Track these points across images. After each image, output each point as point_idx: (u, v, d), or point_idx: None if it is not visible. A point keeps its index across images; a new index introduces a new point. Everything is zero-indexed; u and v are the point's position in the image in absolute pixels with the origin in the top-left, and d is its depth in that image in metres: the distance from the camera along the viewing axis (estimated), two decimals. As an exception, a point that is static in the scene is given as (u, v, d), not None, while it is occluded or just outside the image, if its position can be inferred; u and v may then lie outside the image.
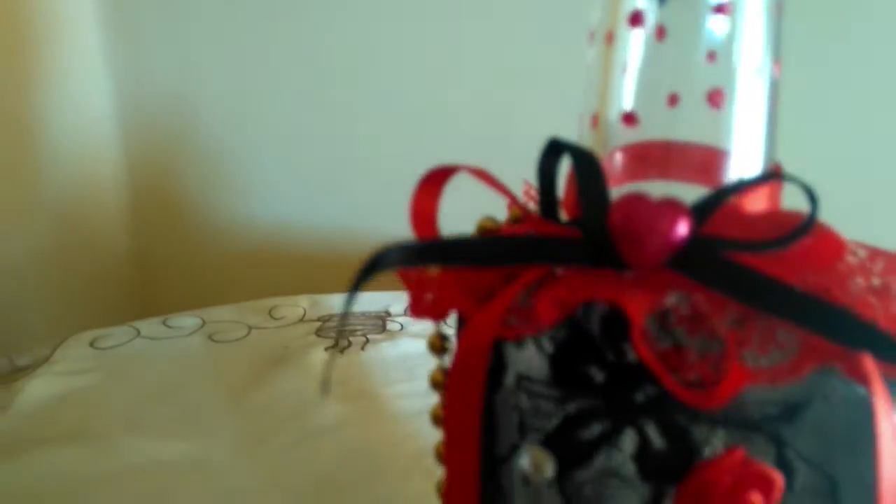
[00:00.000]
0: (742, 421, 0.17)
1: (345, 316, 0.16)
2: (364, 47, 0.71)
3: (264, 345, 0.57)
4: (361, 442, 0.48)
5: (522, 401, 0.18)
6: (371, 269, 0.16)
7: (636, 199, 0.18)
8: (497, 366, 0.18)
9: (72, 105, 0.70)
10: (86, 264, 0.73)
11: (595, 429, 0.17)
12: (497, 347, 0.19)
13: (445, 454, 0.19)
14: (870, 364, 0.15)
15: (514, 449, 0.18)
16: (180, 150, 0.76)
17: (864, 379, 0.15)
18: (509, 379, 0.18)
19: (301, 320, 0.60)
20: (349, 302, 0.16)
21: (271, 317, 0.60)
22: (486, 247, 0.17)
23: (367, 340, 0.57)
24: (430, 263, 0.17)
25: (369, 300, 0.63)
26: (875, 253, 0.20)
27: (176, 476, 0.44)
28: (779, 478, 0.17)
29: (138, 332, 0.58)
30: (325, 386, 0.15)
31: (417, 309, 0.20)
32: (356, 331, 0.59)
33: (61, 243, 0.70)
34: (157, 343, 0.57)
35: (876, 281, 0.18)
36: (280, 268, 0.77)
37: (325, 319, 0.60)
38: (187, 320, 0.59)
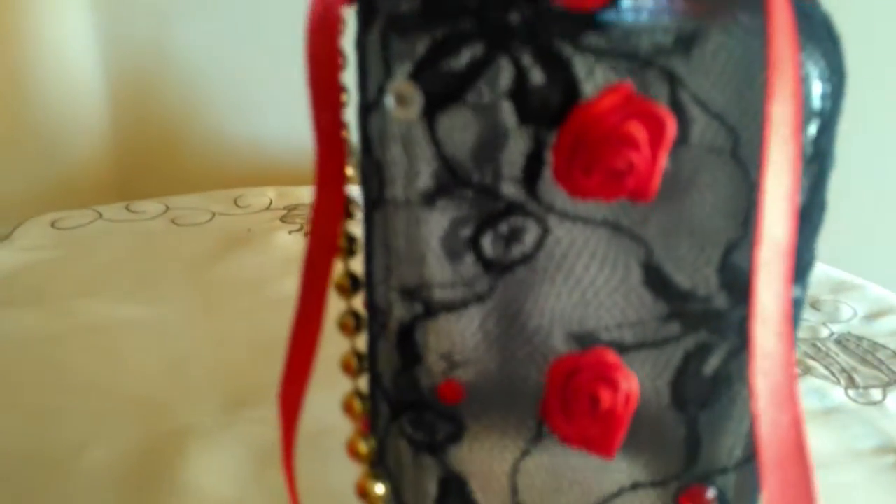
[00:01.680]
0: (631, 52, 0.15)
1: None
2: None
3: (227, 228, 0.55)
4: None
5: (390, 39, 0.16)
6: None
7: None
8: (367, 9, 0.17)
9: (54, 28, 0.69)
10: (66, 191, 0.72)
11: (465, 56, 0.15)
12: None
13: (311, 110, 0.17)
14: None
15: (381, 90, 0.16)
16: (161, 70, 0.74)
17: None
18: (378, 23, 0.16)
19: (267, 209, 0.59)
20: None
21: (237, 205, 0.59)
22: None
23: (334, 226, 0.56)
24: None
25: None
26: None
27: (128, 335, 0.43)
28: (670, 118, 0.15)
29: (100, 214, 0.56)
30: None
31: None
32: (323, 217, 0.57)
33: (46, 169, 0.69)
34: (118, 225, 0.55)
35: None
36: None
37: (291, 208, 0.59)
38: (150, 205, 0.58)
